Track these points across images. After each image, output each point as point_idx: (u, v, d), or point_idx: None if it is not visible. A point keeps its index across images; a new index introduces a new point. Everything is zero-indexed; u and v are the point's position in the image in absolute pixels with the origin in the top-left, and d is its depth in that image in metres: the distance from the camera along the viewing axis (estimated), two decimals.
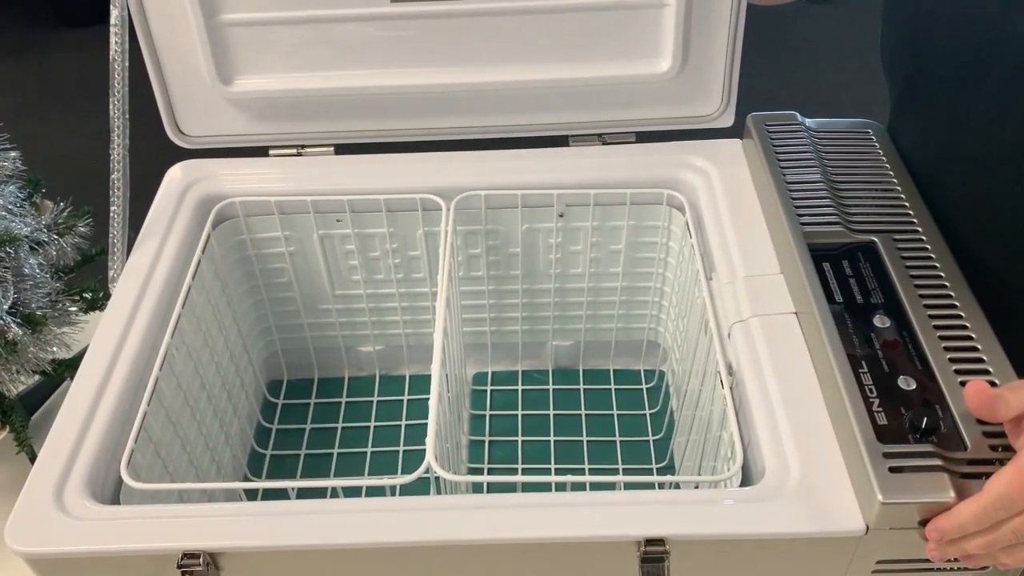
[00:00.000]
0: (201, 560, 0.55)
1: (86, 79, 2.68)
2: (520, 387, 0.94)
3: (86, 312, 0.93)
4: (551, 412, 0.91)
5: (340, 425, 0.91)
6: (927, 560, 0.55)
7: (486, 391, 0.94)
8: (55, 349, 0.88)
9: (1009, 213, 0.69)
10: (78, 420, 0.63)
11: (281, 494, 0.61)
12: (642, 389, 0.93)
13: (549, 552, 0.55)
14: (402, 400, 0.93)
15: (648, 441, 0.87)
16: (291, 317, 0.91)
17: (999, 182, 0.68)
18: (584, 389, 0.93)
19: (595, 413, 0.91)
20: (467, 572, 0.57)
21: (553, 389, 0.94)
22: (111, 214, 0.80)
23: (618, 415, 0.90)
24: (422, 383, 0.91)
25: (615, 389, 0.93)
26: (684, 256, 0.80)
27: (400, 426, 0.91)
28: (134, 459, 0.62)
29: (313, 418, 0.92)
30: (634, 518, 0.55)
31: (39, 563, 0.56)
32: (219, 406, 0.80)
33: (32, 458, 0.94)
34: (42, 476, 0.59)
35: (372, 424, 0.91)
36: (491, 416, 0.91)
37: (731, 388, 0.65)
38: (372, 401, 0.94)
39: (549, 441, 0.88)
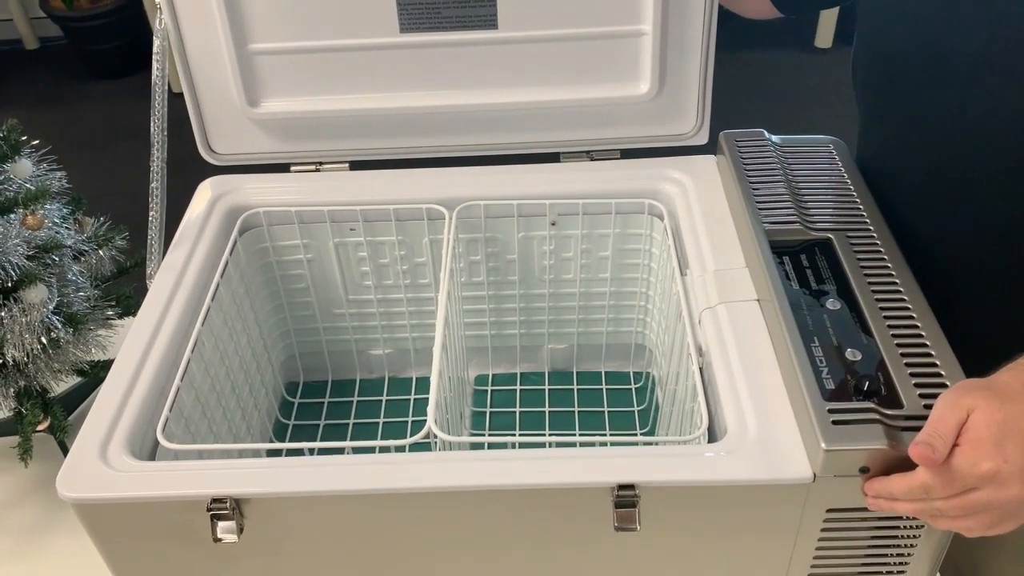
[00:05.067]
0: (228, 505, 0.62)
1: (115, 127, 2.82)
2: (518, 387, 1.02)
3: (121, 317, 1.02)
4: (547, 409, 0.99)
5: (351, 421, 0.99)
6: (869, 510, 0.62)
7: (487, 391, 1.01)
8: (93, 350, 0.97)
9: (966, 214, 0.76)
10: (120, 391, 0.71)
11: (300, 455, 0.68)
12: (631, 389, 1.00)
13: (533, 498, 0.62)
14: (409, 399, 1.01)
15: (635, 434, 0.95)
16: (308, 321, 0.99)
17: (955, 184, 0.76)
18: (577, 389, 1.01)
19: (587, 410, 0.98)
20: (460, 517, 0.64)
21: (549, 389, 1.01)
22: (150, 218, 0.89)
23: (608, 412, 0.98)
24: (428, 384, 0.99)
25: (606, 389, 1.01)
26: (664, 260, 0.88)
27: (407, 422, 0.98)
28: (168, 429, 0.70)
29: (327, 415, 1.00)
30: (608, 468, 0.62)
31: (85, 508, 0.64)
32: (242, 396, 0.88)
33: (64, 451, 1.02)
34: (88, 436, 0.67)
35: (381, 420, 0.99)
36: (491, 413, 0.99)
37: (700, 366, 0.72)
38: (381, 400, 1.01)
39: (544, 435, 0.95)
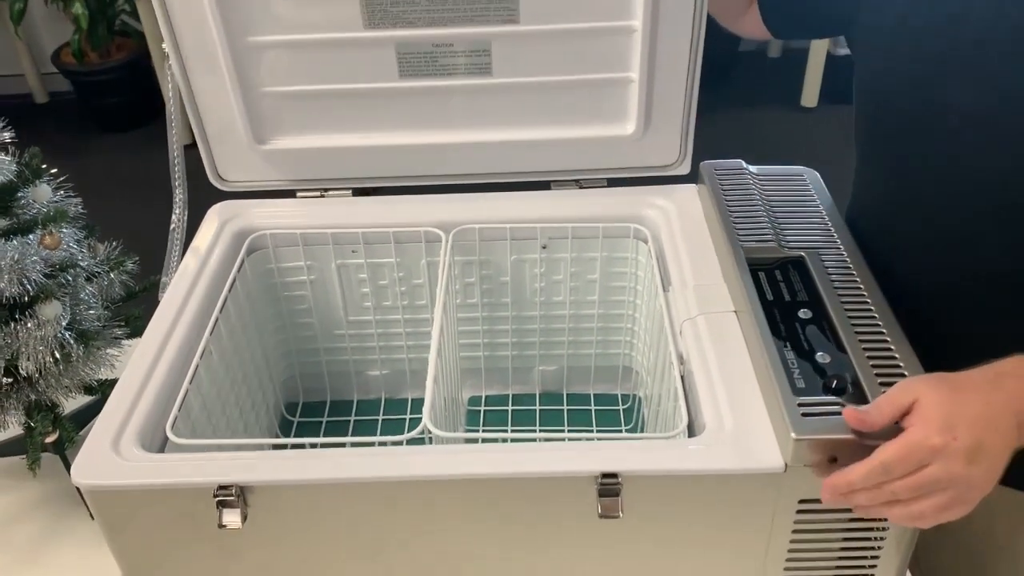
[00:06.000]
0: (233, 491, 0.66)
1: (122, 178, 2.90)
2: (510, 408, 1.05)
3: (129, 337, 1.07)
4: (537, 429, 1.02)
5: (349, 439, 1.02)
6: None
7: (480, 411, 1.05)
8: (101, 368, 1.01)
9: (957, 263, 0.77)
10: (132, 391, 0.75)
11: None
12: (619, 410, 1.04)
13: (522, 487, 0.66)
14: (405, 418, 1.04)
15: None
16: (309, 342, 1.03)
17: (946, 229, 0.77)
18: (567, 410, 1.05)
19: (576, 429, 1.02)
20: (453, 506, 0.68)
21: (540, 410, 1.05)
22: (171, 227, 0.94)
23: (597, 431, 1.02)
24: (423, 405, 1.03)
25: (595, 410, 1.05)
26: (649, 281, 0.93)
27: (402, 440, 1.02)
28: (176, 428, 0.73)
29: (325, 433, 1.03)
30: (593, 458, 0.66)
31: (97, 495, 0.67)
32: (244, 410, 0.92)
33: (67, 466, 1.06)
34: (101, 431, 0.71)
35: (377, 439, 1.02)
36: (484, 431, 1.02)
37: (681, 374, 0.77)
38: (378, 420, 1.05)
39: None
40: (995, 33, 0.70)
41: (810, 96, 3.12)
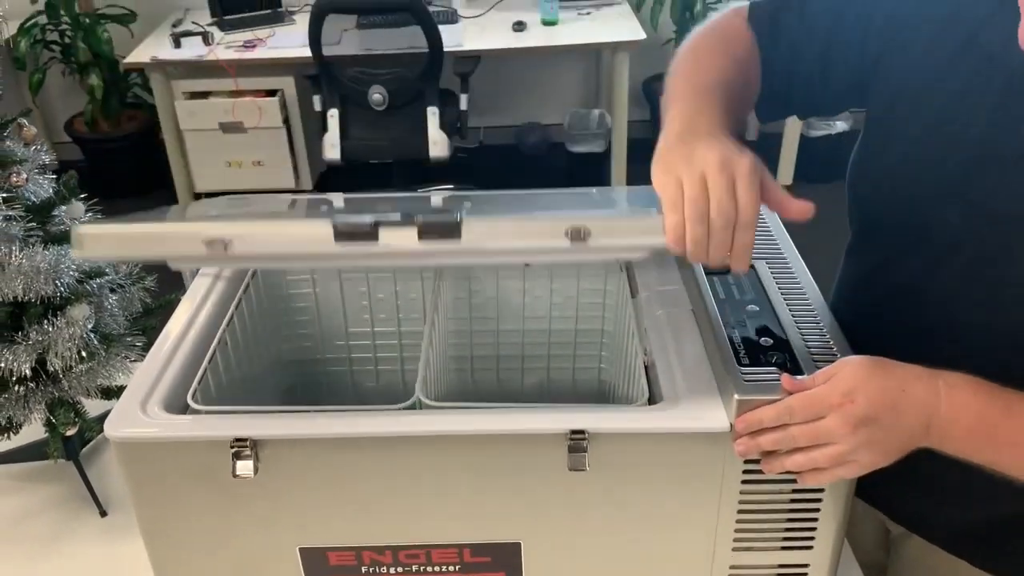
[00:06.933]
0: (248, 443, 0.75)
1: None
2: None
3: (146, 349, 1.16)
4: None
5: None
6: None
7: None
8: (120, 374, 1.11)
9: (944, 342, 0.80)
10: (159, 364, 0.84)
11: None
12: None
13: (502, 443, 0.76)
14: None
15: None
16: (309, 352, 1.13)
17: (936, 319, 0.81)
18: None
19: None
20: (442, 461, 0.77)
21: None
22: None
23: None
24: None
25: None
26: (620, 293, 1.04)
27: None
28: (195, 398, 0.83)
29: None
30: (564, 419, 0.76)
31: (126, 447, 0.76)
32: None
33: (83, 475, 1.14)
34: (131, 396, 0.80)
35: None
36: None
37: (645, 364, 0.87)
38: None
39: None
40: (994, 150, 0.75)
41: (785, 175, 3.30)
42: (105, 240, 0.76)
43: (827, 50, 0.85)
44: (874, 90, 0.84)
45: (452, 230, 0.68)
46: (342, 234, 0.70)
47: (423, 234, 0.69)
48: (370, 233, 0.70)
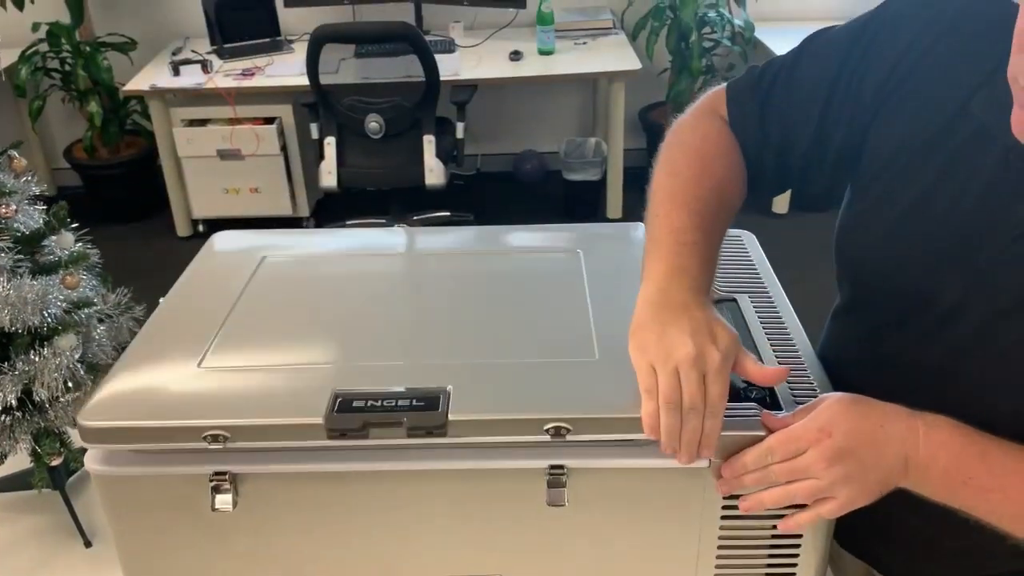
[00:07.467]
0: (227, 477, 0.75)
1: (124, 268, 3.02)
2: None
3: None
4: None
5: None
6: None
7: None
8: None
9: (931, 396, 0.74)
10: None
11: None
12: None
13: (483, 478, 0.76)
14: None
15: None
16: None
17: (922, 393, 0.75)
18: None
19: None
20: (422, 496, 0.77)
21: None
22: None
23: None
24: None
25: None
26: None
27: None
28: None
29: None
30: (544, 453, 0.76)
31: (106, 480, 0.76)
32: None
33: (68, 505, 1.14)
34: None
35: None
36: None
37: None
38: None
39: None
40: (985, 229, 0.72)
41: (781, 204, 3.31)
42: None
43: (823, 121, 0.82)
44: (863, 158, 0.81)
45: (439, 428, 0.74)
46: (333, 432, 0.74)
47: (411, 434, 0.74)
48: (360, 433, 0.74)
